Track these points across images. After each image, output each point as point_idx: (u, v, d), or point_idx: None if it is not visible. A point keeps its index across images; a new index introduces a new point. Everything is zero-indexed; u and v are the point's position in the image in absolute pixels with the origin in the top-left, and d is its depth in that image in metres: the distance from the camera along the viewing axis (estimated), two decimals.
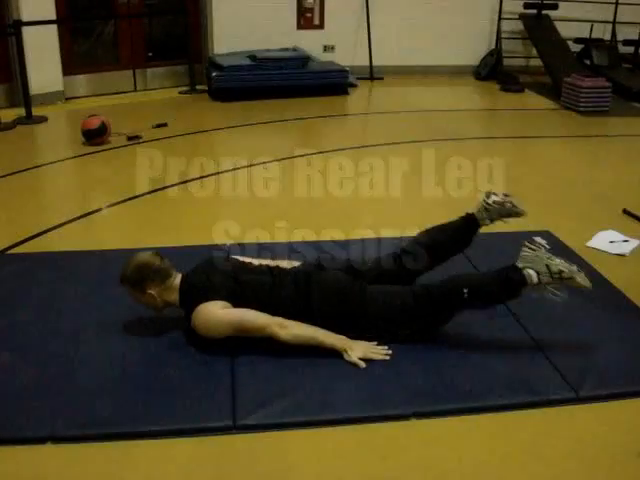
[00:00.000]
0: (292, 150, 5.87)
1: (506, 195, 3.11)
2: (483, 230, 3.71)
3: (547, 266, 2.68)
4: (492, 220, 3.14)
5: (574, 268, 2.70)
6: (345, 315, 2.77)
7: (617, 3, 8.87)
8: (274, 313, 2.71)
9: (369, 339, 2.77)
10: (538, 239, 3.80)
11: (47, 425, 2.32)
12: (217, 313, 2.67)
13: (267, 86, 7.42)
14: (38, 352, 2.73)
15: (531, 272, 2.68)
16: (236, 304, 2.72)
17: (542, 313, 3.08)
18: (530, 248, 2.76)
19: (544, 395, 2.53)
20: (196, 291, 2.75)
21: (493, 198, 3.08)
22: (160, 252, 2.87)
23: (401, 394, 2.52)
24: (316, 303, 2.77)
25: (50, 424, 2.33)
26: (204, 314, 2.67)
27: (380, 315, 2.77)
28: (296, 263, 3.03)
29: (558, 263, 2.70)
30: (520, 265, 2.72)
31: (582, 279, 2.68)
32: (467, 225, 3.13)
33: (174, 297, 2.81)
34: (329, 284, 2.83)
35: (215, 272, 2.84)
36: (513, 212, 3.15)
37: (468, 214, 3.13)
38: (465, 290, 2.72)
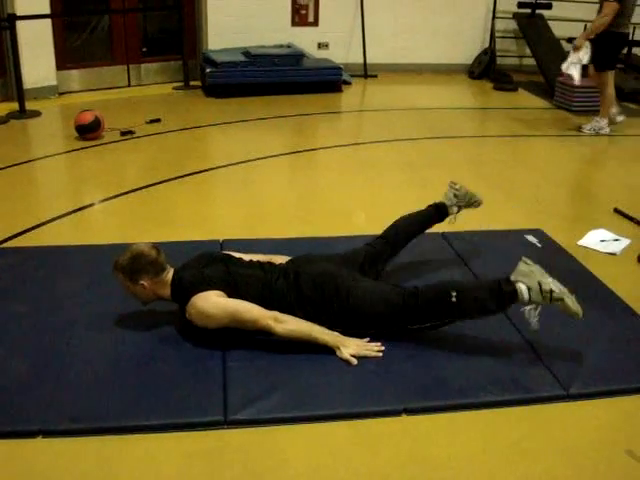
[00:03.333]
0: (285, 147, 5.88)
1: (454, 186, 3.43)
2: (476, 227, 3.76)
3: (539, 283, 2.62)
4: (459, 207, 3.38)
5: (566, 290, 2.64)
6: (334, 306, 2.78)
7: None
8: (268, 305, 2.72)
9: (359, 335, 2.78)
10: (530, 237, 3.85)
11: (38, 419, 2.32)
12: (213, 300, 2.68)
13: (261, 83, 7.42)
14: (29, 346, 2.73)
15: (522, 287, 2.63)
16: (230, 295, 2.72)
17: None
18: (526, 263, 2.71)
19: (534, 392, 2.55)
20: (189, 284, 2.76)
21: (459, 184, 3.41)
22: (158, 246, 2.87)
23: (392, 390, 2.53)
24: (307, 294, 2.79)
25: (41, 418, 2.33)
26: (200, 302, 2.68)
27: (366, 310, 2.78)
28: (287, 258, 3.04)
29: (550, 282, 2.63)
30: (513, 278, 2.68)
31: (572, 303, 2.62)
32: (436, 214, 3.36)
33: (165, 291, 2.82)
34: (317, 275, 2.84)
35: (208, 266, 2.85)
36: (474, 200, 3.44)
37: (437, 203, 3.37)
38: (453, 293, 2.69)
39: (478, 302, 2.72)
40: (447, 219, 3.38)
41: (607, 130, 6.29)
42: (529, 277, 2.65)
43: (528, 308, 2.66)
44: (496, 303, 2.71)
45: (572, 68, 6.10)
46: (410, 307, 2.74)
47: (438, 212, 3.36)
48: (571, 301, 2.62)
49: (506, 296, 2.67)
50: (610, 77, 6.25)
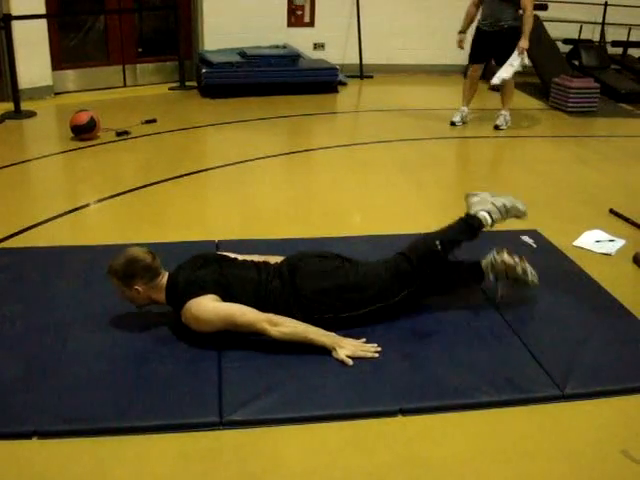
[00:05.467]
0: (281, 147, 5.88)
1: (520, 258, 3.10)
2: None
3: (493, 204, 3.07)
4: (496, 278, 3.10)
5: (511, 197, 3.13)
6: (333, 293, 2.80)
7: (606, 4, 8.93)
8: (263, 307, 2.72)
9: (360, 318, 2.82)
10: (525, 238, 3.85)
11: (33, 420, 2.31)
12: (208, 306, 2.67)
13: (257, 83, 7.42)
14: (24, 347, 2.72)
15: (484, 214, 3.05)
16: (224, 297, 2.72)
17: (528, 311, 3.11)
18: (473, 195, 3.16)
19: (530, 393, 2.55)
20: (184, 288, 2.75)
21: (504, 257, 3.07)
22: (152, 250, 2.86)
23: (388, 391, 2.53)
24: (304, 292, 2.79)
25: (36, 419, 2.32)
26: (195, 308, 2.67)
27: (365, 284, 2.85)
28: (282, 259, 3.04)
29: (501, 199, 3.10)
30: (472, 211, 3.08)
31: (521, 205, 3.12)
32: (472, 273, 3.16)
33: (160, 296, 2.81)
34: (311, 270, 2.87)
35: (202, 268, 2.84)
36: (521, 278, 3.10)
37: (477, 263, 3.14)
38: (437, 242, 2.97)
39: (456, 241, 3.04)
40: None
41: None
42: (483, 204, 3.09)
43: (500, 289, 3.09)
44: (469, 235, 3.06)
45: (510, 70, 6.07)
46: (405, 271, 2.90)
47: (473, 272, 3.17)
48: (520, 204, 3.13)
49: (475, 226, 3.06)
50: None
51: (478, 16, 6.32)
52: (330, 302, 2.80)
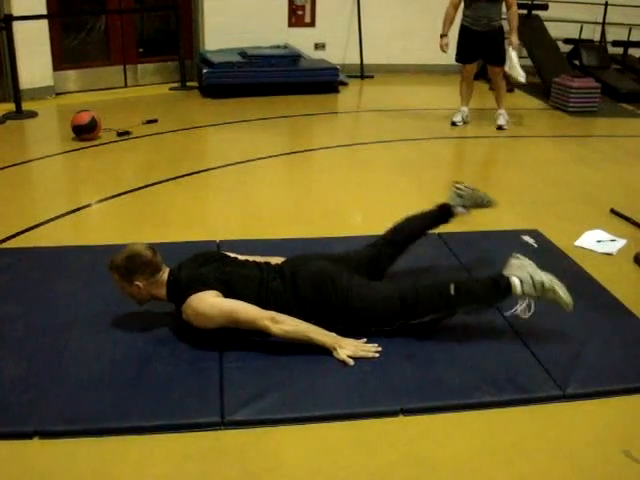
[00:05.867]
0: (282, 147, 5.88)
1: (460, 187, 3.26)
2: (472, 228, 3.76)
3: (531, 276, 2.74)
4: (466, 207, 3.25)
5: (556, 281, 2.74)
6: (332, 304, 2.78)
7: (607, 4, 8.93)
8: (263, 306, 2.71)
9: (360, 332, 2.79)
10: (526, 237, 3.85)
11: (34, 420, 2.31)
12: (210, 301, 2.67)
13: (258, 83, 7.42)
14: (25, 347, 2.73)
15: (515, 280, 2.75)
16: (226, 295, 2.72)
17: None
18: (518, 258, 2.85)
19: (531, 393, 2.55)
20: (186, 284, 2.75)
21: (464, 184, 3.25)
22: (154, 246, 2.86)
23: (389, 391, 2.53)
24: (304, 293, 2.79)
25: (37, 419, 2.32)
26: (197, 303, 2.67)
27: (366, 307, 2.79)
28: (282, 259, 3.04)
29: (542, 274, 2.75)
30: (506, 273, 2.80)
31: (563, 293, 2.72)
32: (441, 215, 3.28)
33: (161, 291, 2.81)
34: (314, 274, 2.84)
35: (204, 265, 2.84)
36: (486, 200, 3.30)
37: (442, 203, 3.28)
38: (452, 286, 2.78)
39: (474, 295, 2.83)
40: (452, 220, 3.32)
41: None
42: (521, 270, 2.77)
43: (519, 307, 2.78)
44: (492, 296, 2.82)
45: (518, 67, 6.16)
46: (409, 303, 2.78)
47: (443, 213, 3.29)
48: (562, 292, 2.73)
49: (501, 289, 2.78)
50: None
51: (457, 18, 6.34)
52: (327, 313, 2.78)
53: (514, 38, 6.05)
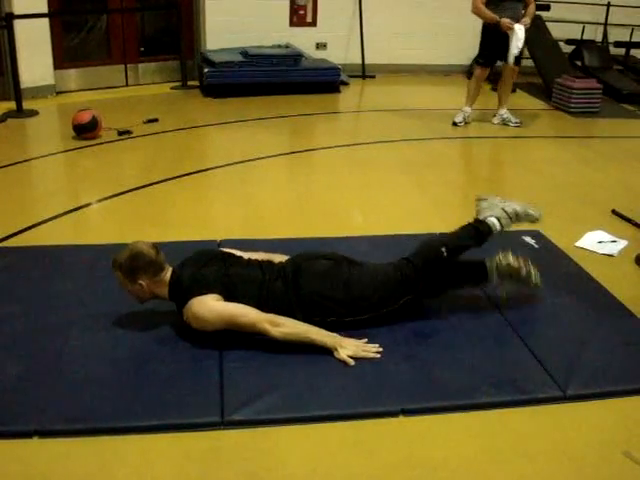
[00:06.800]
0: (283, 147, 5.88)
1: (524, 260, 3.06)
2: None
3: (503, 209, 3.01)
4: (501, 280, 3.06)
5: (524, 204, 3.06)
6: (336, 298, 2.79)
7: (609, 5, 8.92)
8: (265, 306, 2.71)
9: (362, 322, 2.81)
10: (527, 238, 3.85)
11: (34, 419, 2.31)
12: (209, 305, 2.67)
13: (259, 83, 7.41)
14: (25, 346, 2.72)
15: (493, 220, 3.00)
16: (227, 297, 2.72)
17: (530, 312, 3.10)
18: (482, 199, 3.13)
19: (531, 394, 2.54)
20: (187, 285, 2.75)
21: (509, 260, 3.03)
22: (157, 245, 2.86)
23: (389, 391, 2.53)
24: (306, 293, 2.79)
25: (37, 418, 2.31)
26: (197, 307, 2.67)
27: (370, 292, 2.82)
28: (286, 257, 3.03)
29: (512, 204, 3.04)
30: (481, 217, 3.03)
31: (533, 210, 3.07)
32: (476, 274, 3.10)
33: (163, 291, 2.81)
34: (315, 272, 2.85)
35: (207, 266, 2.84)
36: (525, 280, 3.07)
37: (482, 263, 3.07)
38: (443, 249, 2.92)
39: (463, 247, 3.01)
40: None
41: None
42: (492, 209, 3.04)
43: (503, 285, 3.05)
44: (477, 241, 3.02)
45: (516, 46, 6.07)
46: (409, 277, 2.86)
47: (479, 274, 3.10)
48: (533, 210, 3.07)
49: (483, 233, 3.01)
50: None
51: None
52: (331, 306, 2.79)
53: (527, 18, 6.03)
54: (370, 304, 2.84)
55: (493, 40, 6.16)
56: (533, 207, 3.08)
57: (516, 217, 3.03)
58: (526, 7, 6.13)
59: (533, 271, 3.06)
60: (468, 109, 6.54)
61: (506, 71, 6.47)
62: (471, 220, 3.07)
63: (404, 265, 2.90)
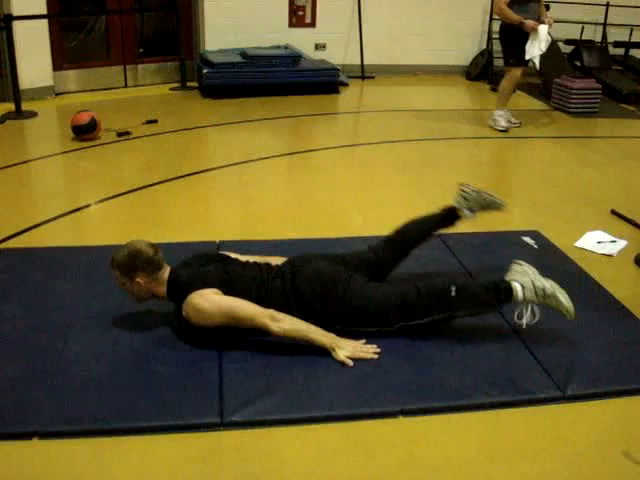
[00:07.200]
0: (283, 148, 5.88)
1: (465, 189, 3.16)
2: (472, 229, 3.75)
3: (532, 282, 2.75)
4: (472, 211, 3.16)
5: (558, 287, 2.76)
6: (332, 305, 2.77)
7: (608, 5, 8.92)
8: (264, 305, 2.71)
9: (358, 334, 2.78)
10: (527, 239, 3.85)
11: (34, 420, 2.31)
12: (209, 298, 2.67)
13: (258, 84, 7.41)
14: (25, 347, 2.72)
15: (517, 285, 2.76)
16: (226, 294, 2.71)
17: None
18: (519, 264, 2.87)
19: (531, 394, 2.54)
20: (186, 282, 2.75)
21: (470, 187, 3.13)
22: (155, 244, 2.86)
23: (389, 392, 2.53)
24: (304, 294, 2.78)
25: (37, 420, 2.32)
26: (196, 300, 2.67)
27: (367, 308, 2.78)
28: (284, 260, 3.03)
29: (544, 280, 2.76)
30: (508, 278, 2.81)
31: (565, 300, 2.73)
32: (446, 217, 3.19)
33: (161, 289, 2.81)
34: (314, 274, 2.83)
35: (204, 265, 2.84)
36: (492, 203, 3.18)
37: (448, 206, 3.18)
38: (453, 288, 2.77)
39: (475, 298, 2.83)
40: (458, 222, 3.22)
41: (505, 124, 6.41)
42: (523, 276, 2.79)
43: (520, 309, 2.78)
44: (493, 300, 2.82)
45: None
46: (410, 304, 2.77)
47: (448, 215, 3.19)
48: (564, 298, 2.74)
49: (502, 293, 2.78)
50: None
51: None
52: (327, 313, 2.78)
53: (550, 18, 6.09)
54: (363, 320, 2.79)
55: (519, 38, 6.09)
56: (567, 297, 2.75)
57: (542, 294, 2.73)
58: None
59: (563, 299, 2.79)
60: (506, 111, 6.44)
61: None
62: (496, 279, 2.85)
63: (409, 292, 2.80)
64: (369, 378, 2.59)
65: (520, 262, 2.88)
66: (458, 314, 2.82)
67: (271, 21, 8.10)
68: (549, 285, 2.74)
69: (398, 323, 2.80)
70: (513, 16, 6.00)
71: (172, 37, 7.77)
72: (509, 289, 2.76)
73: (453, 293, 2.76)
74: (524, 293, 2.74)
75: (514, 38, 6.12)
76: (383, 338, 2.79)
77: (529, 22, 5.94)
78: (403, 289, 2.82)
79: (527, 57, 6.08)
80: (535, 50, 6.02)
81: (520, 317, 2.77)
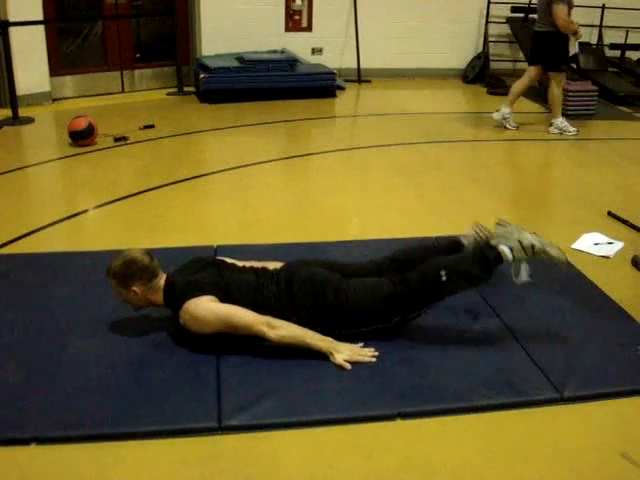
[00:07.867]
0: (280, 152, 5.88)
1: (502, 223, 2.93)
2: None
3: (519, 241, 2.71)
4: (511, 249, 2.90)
5: (546, 241, 2.74)
6: (327, 308, 2.77)
7: (604, 7, 8.94)
8: (260, 310, 2.71)
9: (354, 335, 2.78)
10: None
11: (32, 426, 2.31)
12: (206, 306, 2.67)
13: (255, 88, 7.42)
14: (23, 353, 2.72)
15: (505, 248, 2.72)
16: (222, 300, 2.72)
17: (526, 314, 3.11)
18: (502, 225, 2.85)
19: (528, 396, 2.55)
20: (182, 290, 2.75)
21: (485, 229, 2.95)
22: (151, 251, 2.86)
23: (386, 395, 2.53)
24: (299, 299, 2.78)
25: (35, 425, 2.32)
26: (193, 308, 2.67)
27: (361, 307, 2.77)
28: (281, 264, 3.03)
29: (530, 237, 2.73)
30: (494, 242, 2.76)
31: (555, 252, 2.73)
32: (452, 250, 3.04)
33: (157, 297, 2.81)
34: (307, 279, 2.82)
35: (200, 271, 2.84)
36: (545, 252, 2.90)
37: (454, 238, 3.06)
38: (442, 272, 2.74)
39: (466, 274, 2.79)
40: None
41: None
42: (508, 237, 2.74)
43: (514, 268, 2.74)
44: (483, 270, 2.77)
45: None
46: (403, 294, 2.76)
47: (454, 248, 3.03)
48: (553, 250, 2.73)
49: (491, 261, 2.74)
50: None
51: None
52: (323, 317, 2.78)
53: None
54: (359, 320, 2.79)
55: (562, 43, 6.19)
56: (556, 248, 2.75)
57: (532, 252, 2.70)
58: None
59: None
60: (563, 119, 6.49)
61: (550, 77, 6.51)
62: (482, 247, 2.80)
63: (400, 282, 2.78)
64: (367, 381, 2.59)
65: (503, 222, 2.86)
66: (453, 294, 2.81)
67: (268, 26, 8.11)
68: (537, 242, 2.71)
69: (394, 318, 2.80)
70: (574, 27, 6.14)
71: (169, 42, 7.77)
72: (498, 255, 2.72)
73: (444, 278, 2.72)
74: (513, 254, 2.71)
75: (561, 44, 6.21)
76: (380, 341, 2.79)
77: (580, 28, 6.19)
78: (394, 281, 2.79)
79: (571, 53, 6.21)
80: (575, 48, 6.19)
81: (517, 274, 2.74)
